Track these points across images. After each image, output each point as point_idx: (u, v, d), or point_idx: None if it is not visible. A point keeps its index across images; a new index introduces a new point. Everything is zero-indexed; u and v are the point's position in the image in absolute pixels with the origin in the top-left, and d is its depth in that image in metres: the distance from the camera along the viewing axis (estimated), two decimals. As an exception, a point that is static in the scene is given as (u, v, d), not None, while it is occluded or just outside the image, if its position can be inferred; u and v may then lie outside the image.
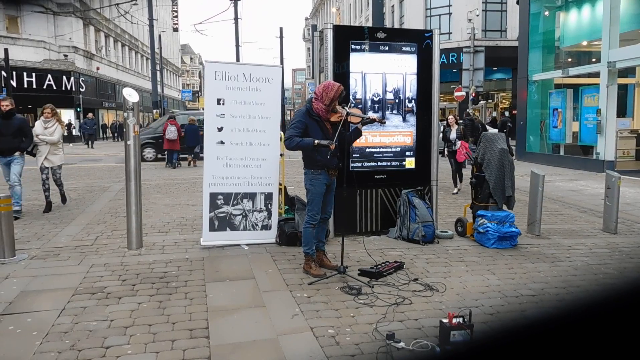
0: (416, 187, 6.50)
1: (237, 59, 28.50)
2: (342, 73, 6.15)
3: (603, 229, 6.90)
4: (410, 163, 6.65)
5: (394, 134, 6.54)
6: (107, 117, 40.33)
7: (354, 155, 6.30)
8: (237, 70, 5.98)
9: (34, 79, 30.60)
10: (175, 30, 57.30)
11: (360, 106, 6.18)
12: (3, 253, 5.34)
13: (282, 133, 6.45)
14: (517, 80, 19.32)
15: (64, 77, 32.15)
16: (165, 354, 3.27)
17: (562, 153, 16.05)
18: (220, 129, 5.89)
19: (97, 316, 3.86)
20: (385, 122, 5.95)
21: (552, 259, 5.56)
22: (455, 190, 10.26)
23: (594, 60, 15.19)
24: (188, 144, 16.39)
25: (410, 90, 6.55)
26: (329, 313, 3.93)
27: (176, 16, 56.28)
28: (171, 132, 15.54)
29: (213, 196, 5.93)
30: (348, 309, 4.00)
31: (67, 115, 31.98)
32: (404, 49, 6.48)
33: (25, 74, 30.05)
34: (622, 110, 15.39)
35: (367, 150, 6.43)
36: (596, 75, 14.32)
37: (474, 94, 18.72)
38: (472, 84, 17.50)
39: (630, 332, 0.71)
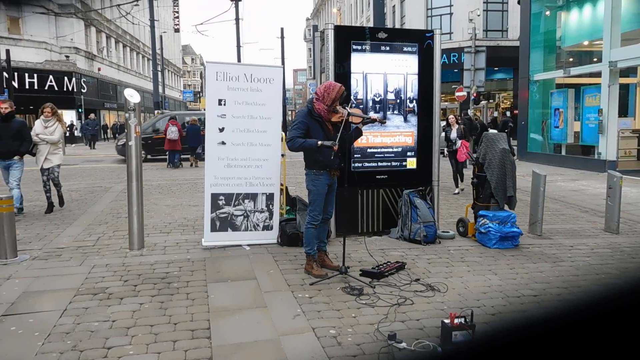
0: (417, 187, 6.50)
1: (238, 60, 28.52)
2: (343, 73, 6.16)
3: (605, 229, 6.89)
4: (411, 163, 6.64)
5: (395, 134, 6.54)
6: (109, 118, 40.36)
7: (355, 155, 6.30)
8: (238, 71, 5.99)
9: (35, 80, 30.62)
10: (177, 30, 57.34)
11: (361, 106, 6.18)
12: (5, 254, 5.35)
13: (284, 133, 6.46)
14: (518, 80, 19.31)
15: (66, 78, 32.17)
16: (166, 354, 3.28)
17: (563, 153, 16.04)
18: (221, 130, 5.90)
19: (98, 317, 3.86)
20: (385, 122, 5.95)
21: (553, 259, 5.55)
22: (457, 191, 10.22)
23: (595, 60, 15.17)
24: (189, 144, 16.42)
25: (412, 90, 6.54)
26: (331, 313, 3.93)
27: (177, 17, 56.32)
28: (172, 132, 15.55)
29: (214, 197, 5.93)
30: (350, 310, 4.00)
31: (69, 116, 32.02)
32: (405, 49, 6.48)
33: (26, 75, 30.08)
34: (624, 110, 15.38)
35: (369, 150, 6.43)
36: (597, 75, 14.31)
37: (475, 94, 18.70)
38: (473, 84, 17.48)
39: (631, 332, 0.71)
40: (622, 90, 14.63)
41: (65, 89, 32.09)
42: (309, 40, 69.26)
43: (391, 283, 4.62)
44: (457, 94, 19.71)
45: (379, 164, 6.50)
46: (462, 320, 3.27)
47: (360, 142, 6.29)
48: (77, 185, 11.68)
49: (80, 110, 32.94)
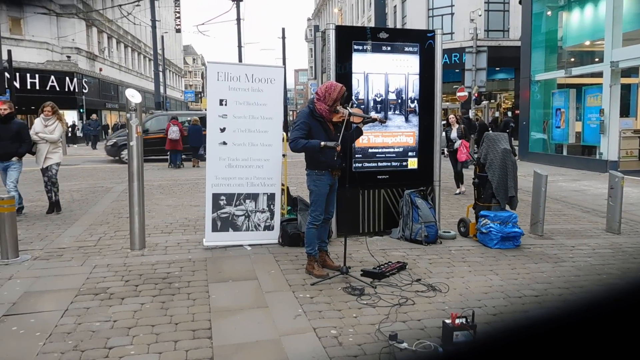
0: (419, 187, 6.49)
1: (240, 60, 28.52)
2: (344, 73, 6.16)
3: (606, 229, 6.88)
4: (412, 163, 6.64)
5: (396, 134, 6.54)
6: (110, 118, 40.40)
7: (356, 155, 6.30)
8: (240, 71, 5.99)
9: (37, 80, 30.66)
10: (178, 31, 57.43)
11: (362, 107, 6.18)
12: (6, 254, 5.36)
13: (285, 134, 6.46)
14: (519, 80, 19.29)
15: (67, 79, 32.21)
16: (168, 354, 3.28)
17: (565, 153, 16.02)
18: (222, 130, 5.90)
19: (100, 317, 3.86)
20: (386, 122, 5.96)
21: (555, 259, 5.54)
22: (459, 191, 10.17)
23: (596, 60, 15.15)
24: (191, 144, 16.46)
25: (413, 90, 6.54)
26: (332, 313, 3.93)
27: (179, 17, 56.40)
28: (173, 132, 15.56)
29: (216, 197, 5.93)
30: (351, 310, 4.00)
31: (70, 116, 32.06)
32: (406, 49, 6.48)
33: (28, 75, 30.11)
34: (625, 110, 15.35)
35: (370, 150, 6.43)
36: (599, 75, 14.29)
37: (476, 94, 18.68)
38: (474, 84, 17.45)
39: (633, 332, 0.71)
40: (624, 91, 14.61)
41: (66, 89, 32.13)
42: (310, 41, 69.26)
43: (392, 283, 4.62)
44: (458, 94, 19.69)
45: (380, 164, 6.50)
46: (464, 320, 3.27)
47: (361, 142, 6.29)
48: (79, 185, 11.70)
49: (81, 110, 32.97)
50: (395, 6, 33.71)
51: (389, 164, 6.54)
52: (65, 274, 4.95)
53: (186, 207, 8.70)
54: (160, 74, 34.81)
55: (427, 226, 6.09)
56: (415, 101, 6.57)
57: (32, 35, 30.82)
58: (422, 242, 6.02)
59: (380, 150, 6.48)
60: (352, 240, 5.90)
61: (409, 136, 6.60)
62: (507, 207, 6.32)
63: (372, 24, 32.07)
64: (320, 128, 4.75)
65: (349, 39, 6.22)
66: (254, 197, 6.05)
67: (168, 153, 16.16)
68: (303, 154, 4.88)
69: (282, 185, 6.52)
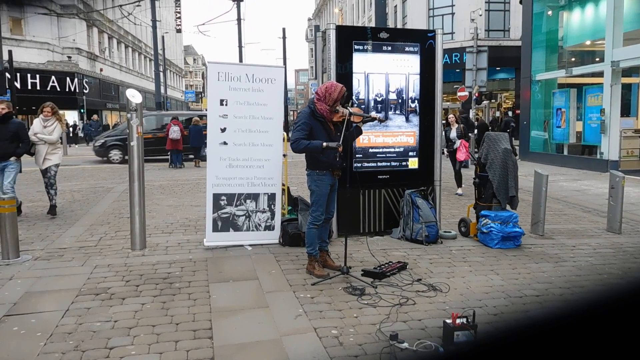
0: (419, 187, 6.49)
1: (240, 60, 28.53)
2: (345, 73, 6.16)
3: (607, 229, 6.88)
4: (413, 163, 6.64)
5: (397, 134, 6.54)
6: (111, 118, 40.43)
7: (357, 155, 6.30)
8: (240, 71, 5.99)
9: (37, 81, 30.69)
10: (179, 31, 57.41)
11: (363, 106, 6.18)
12: (7, 254, 5.36)
13: (285, 134, 6.46)
14: (520, 80, 19.29)
15: (68, 79, 32.23)
16: (168, 354, 3.28)
17: (565, 153, 16.01)
18: (223, 130, 5.90)
19: (101, 317, 3.87)
20: (385, 121, 5.97)
21: (556, 259, 5.54)
22: (460, 192, 10.10)
23: (597, 59, 15.14)
24: (192, 144, 16.49)
25: (413, 90, 6.54)
26: (333, 313, 3.93)
27: (179, 17, 56.40)
28: (174, 132, 15.59)
29: (216, 197, 5.94)
30: (351, 310, 4.00)
31: (71, 116, 32.10)
32: (406, 49, 6.48)
33: (29, 75, 30.14)
34: (626, 109, 15.34)
35: (370, 150, 6.42)
36: (600, 74, 14.28)
37: (477, 94, 18.67)
38: (475, 84, 17.45)
39: (633, 332, 0.71)
40: (624, 90, 14.60)
41: (67, 90, 32.16)
42: (311, 41, 69.26)
43: (393, 283, 4.62)
44: (459, 93, 19.69)
45: (381, 163, 6.50)
46: (464, 320, 3.26)
47: (362, 142, 6.29)
48: (80, 185, 11.70)
49: (82, 110, 33.00)
50: (395, 6, 33.71)
51: (389, 163, 6.53)
52: (66, 274, 4.95)
53: (187, 207, 8.70)
54: (161, 74, 34.83)
55: (427, 226, 6.08)
56: (416, 101, 6.56)
57: (32, 35, 30.84)
58: (423, 242, 6.01)
59: (380, 150, 6.48)
60: (353, 240, 5.90)
61: (410, 136, 6.60)
62: (508, 207, 6.31)
63: (372, 24, 32.07)
64: (321, 128, 4.75)
65: (350, 38, 6.22)
66: (254, 197, 6.05)
67: (168, 153, 16.21)
68: (303, 153, 4.88)
69: (283, 185, 6.52)
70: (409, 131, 6.59)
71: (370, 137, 6.36)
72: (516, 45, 21.68)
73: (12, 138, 7.35)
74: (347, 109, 4.70)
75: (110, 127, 37.75)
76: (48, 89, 30.90)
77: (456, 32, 28.09)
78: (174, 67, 65.28)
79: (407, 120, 6.57)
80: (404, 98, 6.52)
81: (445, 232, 6.44)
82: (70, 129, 29.14)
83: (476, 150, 13.92)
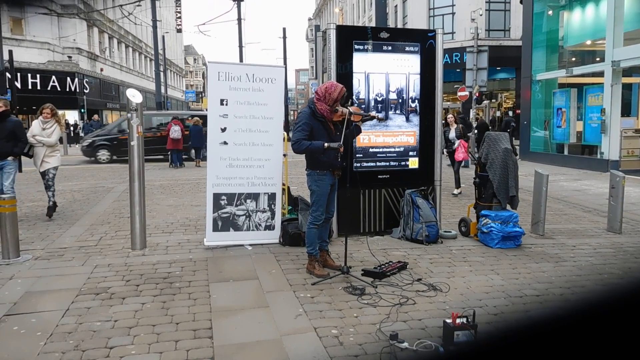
0: (419, 187, 6.49)
1: (241, 60, 28.53)
2: (345, 73, 6.15)
3: (607, 228, 6.87)
4: (413, 163, 6.64)
5: (397, 134, 6.54)
6: (111, 118, 40.42)
7: (357, 155, 6.29)
8: (240, 71, 5.99)
9: (38, 81, 30.70)
10: (179, 31, 57.43)
11: (363, 106, 6.18)
12: (8, 254, 5.37)
13: (285, 133, 6.46)
14: (520, 79, 19.28)
15: (68, 79, 32.25)
16: (169, 354, 3.28)
17: (566, 153, 16.00)
18: (223, 130, 5.90)
19: (101, 316, 3.87)
20: (383, 119, 5.97)
21: (556, 258, 5.54)
22: (456, 192, 10.00)
23: (598, 59, 15.14)
24: (192, 144, 16.55)
25: (414, 90, 6.54)
26: (333, 313, 3.93)
27: (179, 17, 56.43)
28: (175, 132, 15.61)
29: (216, 197, 5.94)
30: (351, 309, 4.00)
31: (72, 116, 32.12)
32: (407, 48, 6.48)
33: (29, 75, 30.15)
34: (627, 109, 15.33)
35: (371, 150, 6.42)
36: (600, 74, 14.27)
37: (477, 94, 18.66)
38: (475, 84, 17.43)
39: (634, 332, 0.71)
40: (625, 90, 14.59)
41: (67, 90, 32.18)
42: (311, 40, 69.28)
43: (393, 283, 4.62)
44: (459, 93, 19.68)
45: (381, 163, 6.49)
46: (464, 320, 3.26)
47: (362, 142, 6.29)
48: (80, 185, 11.71)
49: (82, 110, 33.01)
50: (396, 6, 33.71)
51: (389, 163, 6.53)
52: (66, 274, 4.95)
53: (187, 206, 8.70)
54: (161, 74, 34.82)
55: (428, 226, 6.08)
56: (416, 101, 6.56)
57: (33, 35, 30.85)
58: (423, 241, 6.01)
59: (381, 150, 6.48)
60: (353, 240, 5.90)
61: (410, 136, 6.60)
62: (508, 207, 6.31)
63: (372, 24, 32.06)
64: (321, 128, 4.76)
65: (350, 38, 6.21)
66: (254, 196, 6.05)
67: (169, 152, 16.25)
68: (304, 154, 4.87)
69: (283, 184, 6.52)
70: (409, 131, 6.59)
71: (370, 137, 6.36)
72: (517, 45, 21.68)
73: (9, 137, 7.20)
74: (347, 108, 4.70)
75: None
76: (48, 88, 30.93)
77: (456, 31, 28.09)
78: (175, 67, 65.29)
79: (408, 120, 6.57)
80: (404, 98, 6.51)
81: (445, 231, 6.44)
82: (71, 129, 29.15)
83: (476, 150, 13.90)
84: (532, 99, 17.52)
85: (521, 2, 18.87)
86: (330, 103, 4.70)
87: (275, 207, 6.12)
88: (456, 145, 9.98)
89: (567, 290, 4.55)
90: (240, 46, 29.55)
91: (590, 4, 15.37)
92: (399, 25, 31.35)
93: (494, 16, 28.66)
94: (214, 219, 5.92)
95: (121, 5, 33.33)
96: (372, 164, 6.45)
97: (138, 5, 31.90)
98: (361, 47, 6.25)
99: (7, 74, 19.72)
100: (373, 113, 5.28)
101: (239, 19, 29.25)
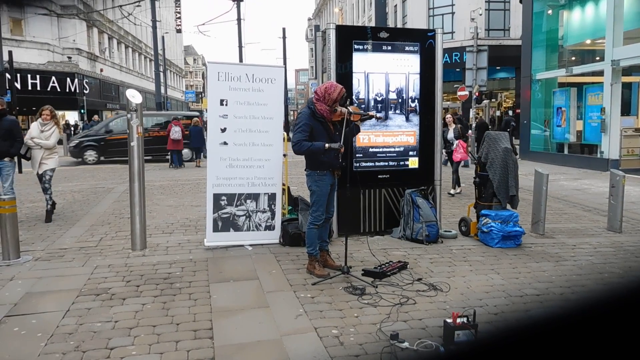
0: (419, 186, 6.49)
1: (240, 60, 28.53)
2: (345, 73, 6.15)
3: (607, 227, 6.87)
4: (413, 163, 6.64)
5: (397, 134, 6.53)
6: (111, 119, 40.39)
7: (357, 155, 6.29)
8: (240, 71, 5.99)
9: (38, 81, 30.70)
10: (179, 31, 57.43)
11: (363, 106, 6.18)
12: (8, 255, 5.37)
13: (285, 133, 6.45)
14: (520, 79, 19.28)
15: (68, 79, 32.25)
16: (169, 354, 3.28)
17: (566, 152, 16.00)
18: (223, 130, 5.90)
19: (101, 317, 3.87)
20: (381, 118, 5.98)
21: (556, 258, 5.54)
22: (452, 192, 9.85)
23: (597, 58, 15.13)
24: (192, 144, 16.61)
25: (413, 89, 6.54)
26: (333, 313, 3.93)
27: (179, 17, 56.44)
28: (176, 133, 15.64)
29: (216, 197, 5.93)
30: (352, 309, 4.00)
31: (72, 117, 32.12)
32: (406, 48, 6.48)
33: (29, 76, 30.15)
34: (627, 108, 15.33)
35: (371, 150, 6.42)
36: (600, 73, 14.27)
37: (477, 94, 18.65)
38: (475, 83, 17.42)
39: (635, 332, 0.70)
40: (625, 89, 14.59)
41: (67, 90, 32.18)
42: (311, 40, 69.26)
43: (393, 283, 4.62)
44: (459, 93, 19.67)
45: (381, 163, 6.49)
46: (465, 319, 3.26)
47: (362, 142, 6.29)
48: (80, 185, 11.71)
49: (82, 111, 33.00)
50: (395, 5, 33.70)
51: (390, 163, 6.53)
52: (66, 275, 4.95)
53: (187, 207, 8.70)
54: (161, 74, 34.82)
55: (428, 225, 6.08)
56: (416, 100, 6.56)
57: (33, 36, 30.85)
58: (423, 241, 6.01)
59: (381, 149, 6.48)
60: (353, 240, 5.91)
61: (410, 135, 6.59)
62: (508, 206, 6.31)
63: (372, 24, 32.06)
64: (321, 128, 4.76)
65: (350, 38, 6.21)
66: (254, 197, 6.05)
67: (169, 153, 16.29)
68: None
69: (283, 185, 6.52)
70: (409, 131, 6.59)
71: (370, 137, 6.36)
72: (516, 45, 21.68)
73: (6, 136, 7.11)
74: (346, 107, 4.70)
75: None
76: (48, 89, 30.93)
77: (456, 31, 28.09)
78: (174, 67, 65.29)
79: (407, 119, 6.57)
80: (404, 97, 6.51)
81: (445, 231, 6.44)
82: (72, 129, 29.14)
83: (476, 149, 13.88)
84: (532, 99, 17.52)
85: (521, 2, 18.87)
86: (329, 103, 4.70)
87: (276, 207, 6.12)
88: (455, 145, 9.91)
89: (568, 289, 4.55)
90: (240, 46, 29.55)
91: (590, 3, 15.37)
92: (399, 25, 31.35)
93: (493, 16, 28.66)
94: (214, 219, 5.92)
95: (121, 6, 33.34)
96: (372, 163, 6.45)
97: (138, 6, 31.90)
98: (361, 47, 6.25)
99: (7, 75, 19.72)
100: (372, 112, 5.28)
101: (239, 19, 29.25)
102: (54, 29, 32.02)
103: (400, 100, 6.50)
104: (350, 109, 4.78)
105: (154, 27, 28.11)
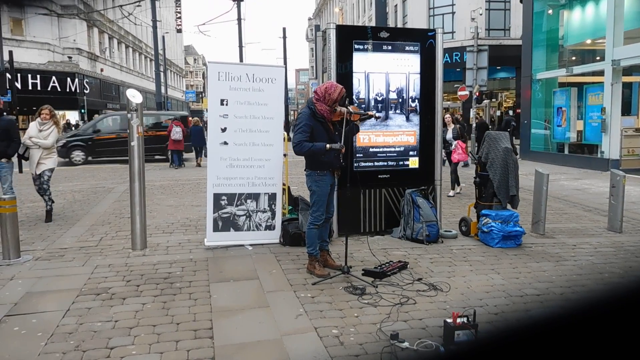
0: (420, 186, 6.49)
1: (241, 60, 28.52)
2: (345, 73, 6.15)
3: (608, 227, 6.87)
4: (413, 162, 6.63)
5: (397, 134, 6.53)
6: (111, 118, 40.36)
7: (357, 155, 6.29)
8: (240, 71, 5.99)
9: (38, 81, 30.69)
10: (179, 31, 57.44)
11: (363, 106, 6.18)
12: (8, 254, 5.37)
13: (286, 133, 6.45)
14: (521, 79, 19.27)
15: (69, 79, 32.24)
16: (169, 354, 3.28)
17: (566, 152, 16.00)
18: (223, 130, 5.90)
19: (101, 317, 3.87)
20: (380, 118, 5.98)
21: (556, 258, 5.54)
22: (451, 193, 9.76)
23: (598, 58, 15.13)
24: (193, 144, 16.69)
25: (414, 89, 6.54)
26: (333, 313, 3.93)
27: (179, 17, 56.46)
28: (177, 133, 15.68)
29: (217, 197, 5.94)
30: (352, 309, 4.00)
31: (72, 117, 32.12)
32: (407, 48, 6.47)
33: (29, 75, 30.14)
34: (627, 108, 15.33)
35: (371, 150, 6.42)
36: (600, 73, 14.27)
37: (477, 93, 18.65)
38: (475, 83, 17.42)
39: (635, 331, 0.70)
40: (625, 89, 14.59)
41: (68, 90, 32.17)
42: (311, 40, 69.27)
43: (394, 282, 4.62)
44: (459, 93, 19.67)
45: (382, 163, 6.49)
46: (465, 319, 3.26)
47: (362, 142, 6.29)
48: (80, 185, 11.71)
49: (83, 111, 33.00)
50: (396, 5, 33.70)
51: (390, 163, 6.53)
52: (66, 274, 4.95)
53: (187, 207, 8.70)
54: (161, 74, 34.82)
55: (428, 225, 6.08)
56: (416, 100, 6.56)
57: (33, 36, 30.85)
58: (424, 241, 6.01)
59: (381, 149, 6.48)
60: (354, 240, 5.90)
61: (410, 135, 6.59)
62: (509, 206, 6.31)
63: (372, 24, 32.05)
64: (321, 128, 4.76)
65: (350, 38, 6.21)
66: (255, 197, 6.05)
67: (170, 153, 16.34)
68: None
69: (284, 184, 6.52)
70: (410, 130, 6.59)
71: (370, 137, 6.36)
72: (517, 44, 21.66)
73: (3, 136, 7.06)
74: (346, 107, 4.70)
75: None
76: (49, 89, 30.92)
77: (456, 31, 28.09)
78: (175, 67, 65.29)
79: (408, 119, 6.56)
80: (405, 97, 6.51)
81: (446, 231, 6.44)
82: (73, 129, 29.13)
83: (476, 149, 13.87)
84: (533, 98, 17.51)
85: (521, 2, 18.86)
86: (330, 104, 4.70)
87: (276, 207, 6.12)
88: (453, 146, 9.82)
89: (568, 289, 4.55)
90: (240, 46, 29.55)
91: (590, 3, 15.36)
92: (399, 25, 31.35)
93: (494, 15, 28.65)
94: (214, 219, 5.92)
95: (121, 6, 33.34)
96: (372, 163, 6.45)
97: (138, 6, 31.90)
98: (361, 47, 6.25)
99: (7, 75, 19.73)
100: (371, 112, 5.29)
101: (239, 19, 29.24)
102: (55, 28, 32.02)
103: (400, 100, 6.49)
104: (350, 108, 4.78)
105: (154, 27, 28.12)
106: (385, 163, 6.51)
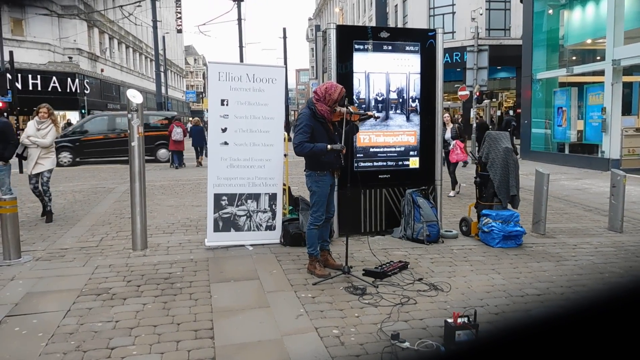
0: (420, 186, 6.49)
1: (241, 60, 28.52)
2: (345, 73, 6.15)
3: (608, 227, 6.87)
4: (414, 162, 6.63)
5: (397, 134, 6.53)
6: (112, 119, 40.35)
7: (358, 155, 6.29)
8: (241, 71, 5.99)
9: (38, 81, 30.69)
10: (179, 31, 57.46)
11: (363, 106, 6.18)
12: (9, 255, 5.37)
13: (286, 133, 6.45)
14: (521, 79, 19.26)
15: (69, 79, 32.24)
16: (170, 354, 3.28)
17: (566, 152, 15.99)
18: (224, 130, 5.90)
19: (102, 317, 3.87)
20: (379, 117, 5.98)
21: (557, 258, 5.53)
22: (452, 193, 9.72)
23: (598, 58, 15.12)
24: (194, 144, 16.76)
25: (414, 89, 6.54)
26: (334, 313, 3.93)
27: (180, 17, 56.49)
28: (177, 134, 15.71)
29: (217, 197, 5.94)
30: (353, 309, 4.00)
31: (73, 117, 32.11)
32: (407, 48, 6.47)
33: (30, 76, 30.14)
34: (627, 108, 15.32)
35: (371, 150, 6.42)
36: (601, 73, 14.26)
37: (478, 93, 18.64)
38: (476, 83, 17.42)
39: (635, 331, 0.70)
40: (626, 89, 14.58)
41: (68, 90, 32.17)
42: (312, 40, 69.26)
43: (394, 283, 4.62)
44: (459, 93, 19.67)
45: (382, 163, 6.49)
46: (466, 319, 3.26)
47: (363, 142, 6.29)
48: (81, 185, 11.72)
49: (83, 111, 33.00)
50: (396, 5, 33.69)
51: (390, 163, 6.53)
52: (67, 275, 4.96)
53: (188, 207, 8.70)
54: (162, 74, 34.84)
55: (428, 225, 6.08)
56: (417, 100, 6.56)
57: (33, 36, 30.86)
58: (424, 241, 6.01)
59: (381, 149, 6.48)
60: (354, 240, 5.90)
61: (410, 135, 6.59)
62: (509, 206, 6.31)
63: (373, 24, 32.06)
64: (322, 129, 4.76)
65: (350, 38, 6.21)
66: (255, 197, 6.05)
67: (170, 153, 16.38)
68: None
69: (284, 185, 6.52)
70: (410, 130, 6.59)
71: (371, 137, 6.36)
72: (517, 44, 21.65)
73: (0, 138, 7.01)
74: (346, 107, 4.71)
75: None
76: (49, 89, 30.92)
77: (457, 31, 28.08)
78: (175, 67, 65.28)
79: (408, 119, 6.56)
80: (405, 97, 6.51)
81: (446, 231, 6.43)
82: (61, 131, 29.14)
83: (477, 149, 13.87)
84: (533, 98, 17.51)
85: (521, 1, 18.85)
86: (330, 104, 4.70)
87: (276, 207, 6.12)
88: (452, 146, 9.78)
89: (568, 289, 4.55)
90: (241, 46, 29.54)
91: (591, 3, 15.36)
92: (399, 25, 31.34)
93: (494, 15, 28.64)
94: (214, 219, 5.92)
95: (121, 6, 33.36)
96: (372, 163, 6.45)
97: (138, 6, 31.92)
98: (361, 47, 6.25)
99: (8, 75, 19.75)
100: (370, 112, 5.29)
101: (239, 19, 29.23)
102: (55, 29, 32.03)
103: (400, 100, 6.49)
104: (350, 108, 4.78)
105: (155, 27, 28.13)
106: (386, 163, 6.51)
